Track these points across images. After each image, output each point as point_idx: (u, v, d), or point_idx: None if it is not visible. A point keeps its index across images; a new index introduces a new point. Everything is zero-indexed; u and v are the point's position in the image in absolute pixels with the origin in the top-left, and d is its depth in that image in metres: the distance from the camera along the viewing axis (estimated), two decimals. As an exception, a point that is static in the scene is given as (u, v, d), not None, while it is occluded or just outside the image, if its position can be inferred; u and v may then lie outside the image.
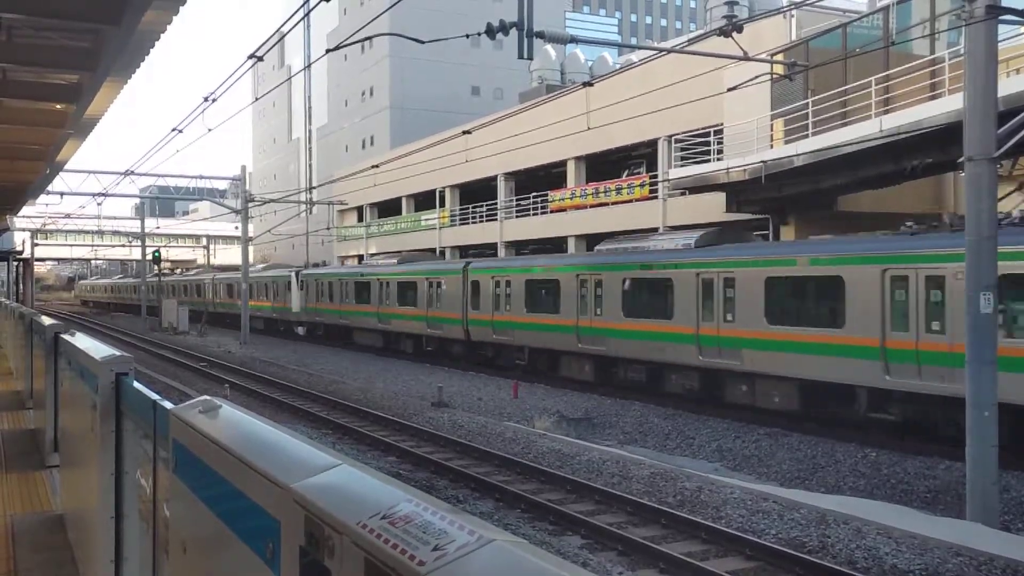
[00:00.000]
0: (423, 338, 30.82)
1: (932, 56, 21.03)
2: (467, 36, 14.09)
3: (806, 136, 20.42)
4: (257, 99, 36.81)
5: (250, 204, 41.94)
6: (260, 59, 14.92)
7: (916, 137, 17.24)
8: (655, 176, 30.64)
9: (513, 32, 13.04)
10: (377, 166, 31.30)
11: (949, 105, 16.00)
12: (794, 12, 24.79)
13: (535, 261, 27.36)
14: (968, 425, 10.33)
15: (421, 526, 1.31)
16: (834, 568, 8.53)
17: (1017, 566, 8.36)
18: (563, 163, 36.31)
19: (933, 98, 18.60)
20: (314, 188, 55.02)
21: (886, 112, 18.85)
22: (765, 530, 9.98)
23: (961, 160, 10.54)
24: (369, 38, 15.73)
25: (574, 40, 15.38)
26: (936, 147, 17.28)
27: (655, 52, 24.25)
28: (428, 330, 29.92)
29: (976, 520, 10.06)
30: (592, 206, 33.89)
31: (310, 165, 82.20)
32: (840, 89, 20.38)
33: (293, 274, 42.49)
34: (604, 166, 36.18)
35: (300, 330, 43.14)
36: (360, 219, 57.40)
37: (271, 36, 15.31)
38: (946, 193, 24.84)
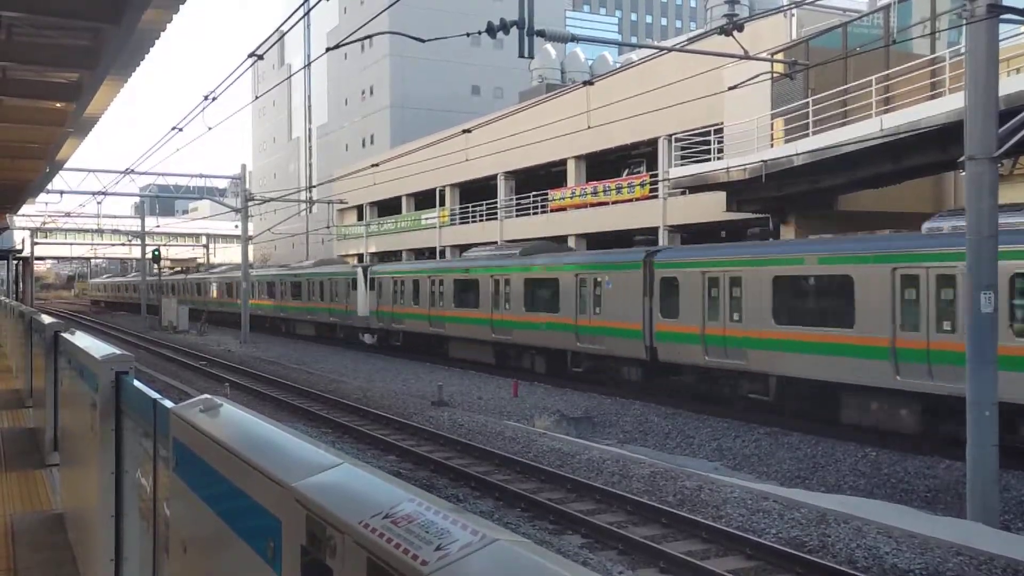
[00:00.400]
0: (567, 354, 23.36)
1: (933, 55, 21.02)
2: (467, 35, 14.09)
3: (806, 135, 20.42)
4: (257, 98, 36.88)
5: (250, 203, 41.94)
6: (260, 58, 14.92)
7: (916, 136, 17.24)
8: (655, 175, 30.64)
9: (514, 31, 13.04)
10: (377, 165, 31.34)
11: (950, 104, 15.99)
12: (794, 11, 24.78)
13: (795, 248, 17.75)
14: (968, 424, 10.33)
15: (423, 525, 1.31)
16: (834, 568, 8.53)
17: (1018, 566, 8.36)
18: (563, 162, 36.33)
19: (933, 97, 18.60)
20: (314, 187, 55.02)
21: (886, 111, 18.85)
22: (765, 529, 9.98)
23: (962, 159, 10.53)
24: (369, 37, 15.72)
25: (574, 39, 15.37)
26: (936, 146, 17.28)
27: (655, 51, 24.26)
28: (578, 344, 22.49)
29: (976, 519, 10.05)
30: (592, 205, 33.89)
31: (310, 164, 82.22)
32: (840, 88, 20.38)
33: (360, 271, 35.79)
34: (604, 165, 36.20)
35: (368, 339, 36.07)
36: (360, 218, 57.41)
37: (271, 35, 15.30)
38: (946, 192, 24.85)
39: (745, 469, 14.27)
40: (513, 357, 26.07)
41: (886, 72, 20.03)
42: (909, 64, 20.54)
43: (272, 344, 38.24)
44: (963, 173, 10.87)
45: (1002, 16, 10.42)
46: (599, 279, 21.93)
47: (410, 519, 1.34)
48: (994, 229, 10.30)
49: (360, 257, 54.07)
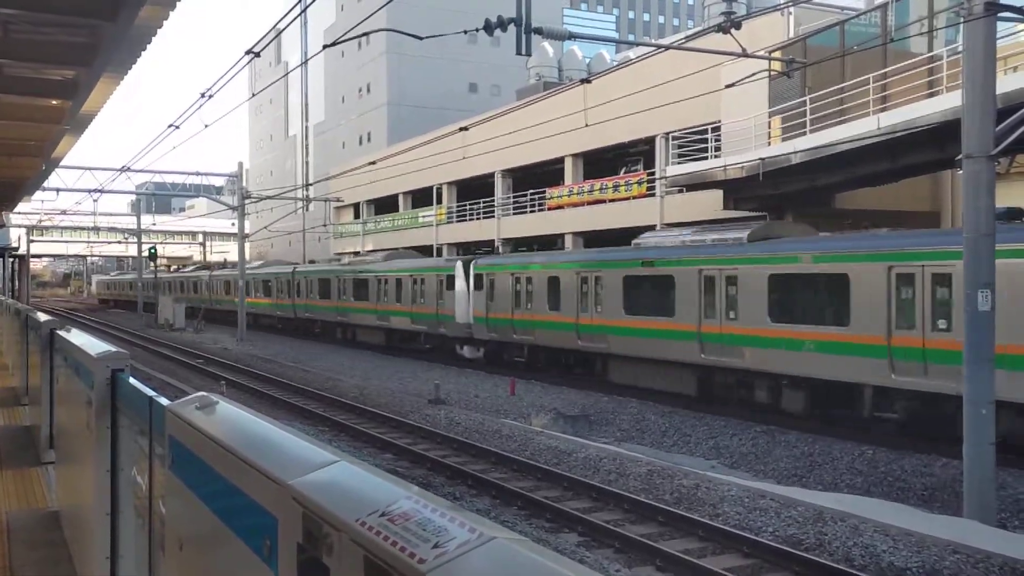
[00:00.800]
0: (867, 389, 15.24)
1: (930, 54, 21.02)
2: (465, 32, 14.09)
3: (804, 134, 20.41)
4: (254, 95, 36.78)
5: (247, 201, 41.89)
6: (257, 55, 14.89)
7: (913, 135, 17.25)
8: (652, 173, 30.65)
9: (511, 28, 13.03)
10: (374, 163, 31.33)
11: (947, 103, 16.00)
12: (792, 9, 24.79)
13: None
14: (965, 423, 10.34)
15: (421, 523, 1.30)
16: (831, 566, 8.54)
17: (1014, 564, 8.37)
18: (560, 160, 36.34)
19: (931, 96, 18.61)
20: (311, 185, 54.98)
21: (883, 110, 18.85)
22: (762, 527, 9.98)
23: (959, 158, 10.53)
24: (366, 34, 15.70)
25: (572, 37, 15.35)
26: (934, 145, 17.28)
27: (653, 49, 24.26)
28: (895, 377, 14.60)
29: (973, 518, 10.06)
30: (589, 203, 33.89)
31: (307, 162, 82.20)
32: (837, 87, 20.39)
33: (459, 265, 28.20)
34: (601, 163, 36.22)
35: (468, 352, 28.30)
36: (357, 216, 57.40)
37: (268, 32, 15.27)
38: (943, 191, 24.88)
39: (742, 467, 14.28)
40: (736, 387, 18.33)
41: (883, 70, 20.03)
42: (906, 62, 20.53)
43: (270, 342, 38.20)
44: (960, 171, 10.87)
45: (999, 14, 10.42)
46: (950, 275, 13.69)
47: (407, 517, 1.33)
48: (991, 227, 10.31)
49: (356, 255, 53.68)
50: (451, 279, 28.26)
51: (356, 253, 54.38)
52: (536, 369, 24.46)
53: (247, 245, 46.73)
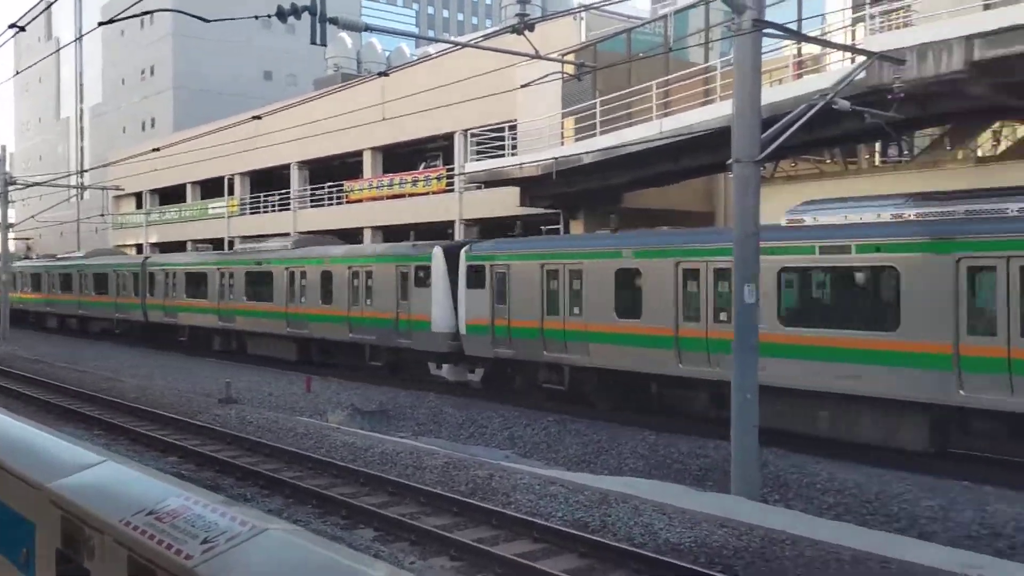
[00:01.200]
0: None
1: (706, 64, 22.54)
2: (256, 18, 13.62)
3: (594, 135, 21.31)
4: (18, 73, 33.79)
5: (10, 188, 38.34)
6: (22, 29, 13.68)
7: (691, 139, 18.45)
8: (452, 169, 30.94)
9: (306, 16, 12.71)
10: (158, 149, 29.57)
11: (720, 111, 17.22)
12: (583, 15, 25.79)
13: None
14: (733, 407, 11.21)
15: (190, 520, 1.27)
16: (614, 545, 9.01)
17: (772, 534, 9.18)
18: (359, 153, 35.91)
19: (706, 104, 19.96)
20: (86, 171, 51.14)
21: (666, 115, 20.03)
22: (552, 513, 10.37)
23: (729, 162, 11.39)
24: (148, 13, 14.82)
25: (368, 28, 15.15)
26: (709, 149, 18.56)
27: (451, 45, 24.47)
28: None
29: (740, 494, 10.95)
30: (388, 198, 33.73)
31: (81, 147, 76.40)
32: (625, 91, 21.43)
33: (439, 252, 20.62)
34: (401, 157, 36.13)
35: (452, 373, 20.84)
36: (139, 206, 54.04)
37: (36, 4, 14.07)
38: (717, 191, 26.79)
39: (535, 456, 14.75)
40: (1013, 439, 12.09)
41: (665, 78, 21.27)
42: (685, 71, 21.91)
43: (38, 342, 35.23)
44: (731, 175, 11.75)
45: (765, 31, 11.35)
46: None
47: (176, 514, 1.30)
48: (756, 226, 11.23)
49: (139, 248, 50.43)
50: (423, 272, 20.85)
51: (139, 246, 51.19)
52: (583, 402, 17.81)
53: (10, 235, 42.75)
